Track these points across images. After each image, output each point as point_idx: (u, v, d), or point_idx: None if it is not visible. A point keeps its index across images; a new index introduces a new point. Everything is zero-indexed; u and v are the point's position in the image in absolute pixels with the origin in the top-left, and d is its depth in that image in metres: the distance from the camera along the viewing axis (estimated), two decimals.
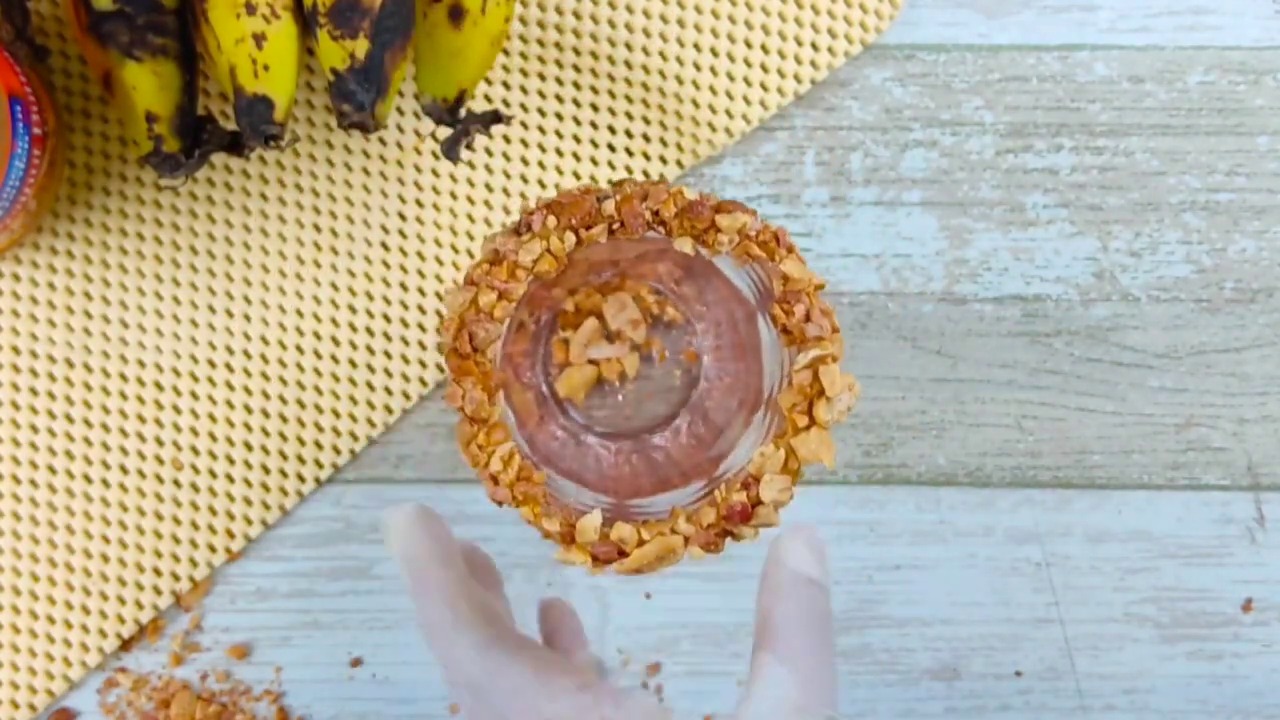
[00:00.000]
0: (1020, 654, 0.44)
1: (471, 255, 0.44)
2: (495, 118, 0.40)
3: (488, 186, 0.44)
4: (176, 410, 0.43)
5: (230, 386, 0.43)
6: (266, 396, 0.43)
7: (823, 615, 0.31)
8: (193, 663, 0.44)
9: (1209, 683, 0.44)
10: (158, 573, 0.43)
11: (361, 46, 0.37)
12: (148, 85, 0.39)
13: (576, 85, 0.43)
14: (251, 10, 0.37)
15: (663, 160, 0.44)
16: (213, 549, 0.43)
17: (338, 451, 0.43)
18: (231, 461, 0.43)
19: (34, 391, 0.43)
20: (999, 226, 0.44)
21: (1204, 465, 0.44)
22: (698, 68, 0.43)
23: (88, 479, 0.43)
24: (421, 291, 0.43)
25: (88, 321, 0.43)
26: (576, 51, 0.43)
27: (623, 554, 0.31)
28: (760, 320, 0.35)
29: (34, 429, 0.43)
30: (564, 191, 0.32)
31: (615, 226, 0.31)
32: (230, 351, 0.43)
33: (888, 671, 0.44)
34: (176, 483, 0.43)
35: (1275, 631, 0.44)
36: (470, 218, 0.44)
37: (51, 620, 0.43)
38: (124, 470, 0.43)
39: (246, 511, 0.43)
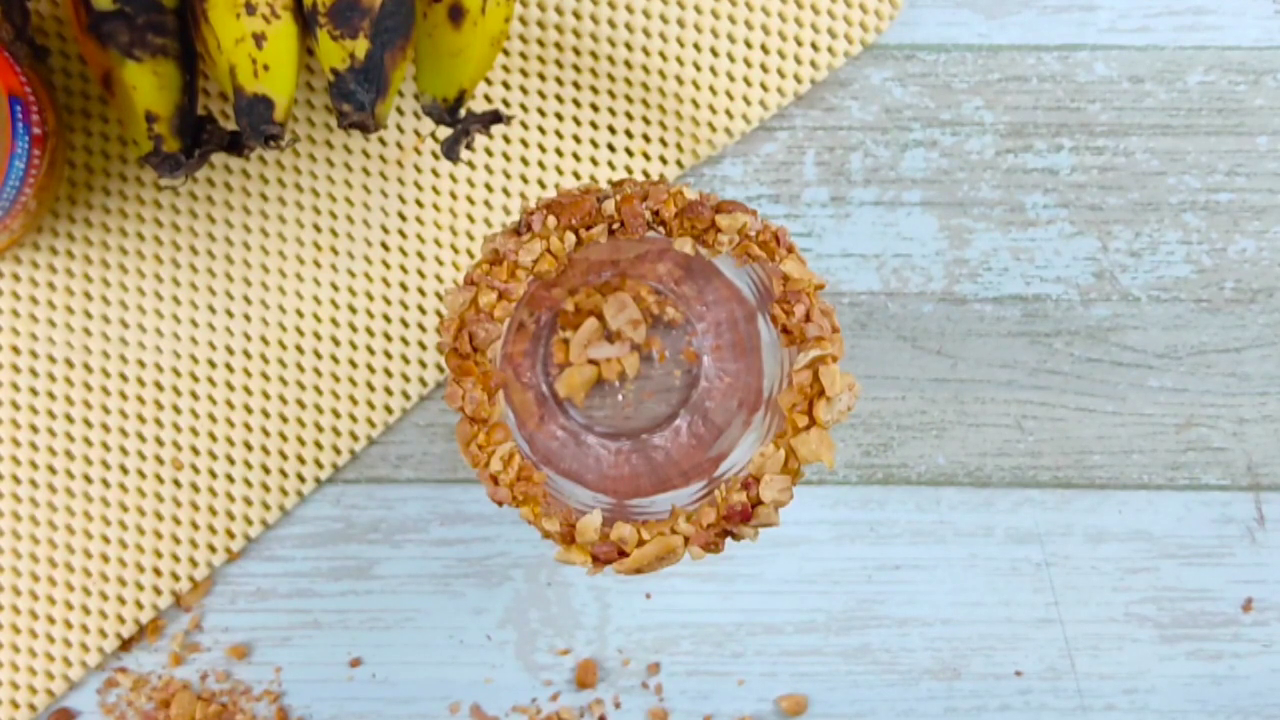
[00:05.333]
0: (1020, 654, 0.44)
1: (471, 255, 0.44)
2: (495, 118, 0.40)
3: (488, 186, 0.44)
4: (176, 410, 0.43)
5: (230, 386, 0.43)
6: (266, 396, 0.43)
7: None
8: (193, 663, 0.44)
9: (1209, 683, 0.44)
10: (158, 573, 0.43)
11: (361, 46, 0.37)
12: (148, 85, 0.39)
13: (576, 85, 0.43)
14: (251, 10, 0.37)
15: (663, 160, 0.44)
16: (213, 549, 0.43)
17: (338, 451, 0.43)
18: (231, 461, 0.43)
19: (34, 391, 0.43)
20: (999, 226, 0.44)
21: (1204, 465, 0.44)
22: (698, 68, 0.43)
23: (88, 479, 0.43)
24: (421, 291, 0.43)
25: (88, 321, 0.43)
26: (576, 51, 0.43)
27: (623, 554, 0.31)
28: (760, 320, 0.35)
29: (34, 429, 0.43)
30: (564, 191, 0.32)
31: (615, 226, 0.31)
32: (230, 351, 0.43)
33: (888, 671, 0.44)
34: (176, 483, 0.43)
35: (1275, 631, 0.44)
36: (470, 218, 0.44)
37: (51, 620, 0.43)
38: (124, 470, 0.43)
39: (246, 511, 0.43)
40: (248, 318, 0.43)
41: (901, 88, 0.44)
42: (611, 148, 0.44)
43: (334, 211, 0.43)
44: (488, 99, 0.43)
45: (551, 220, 0.31)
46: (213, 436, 0.43)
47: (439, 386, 0.44)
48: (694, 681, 0.44)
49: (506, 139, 0.43)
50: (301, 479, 0.43)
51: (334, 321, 0.43)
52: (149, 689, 0.44)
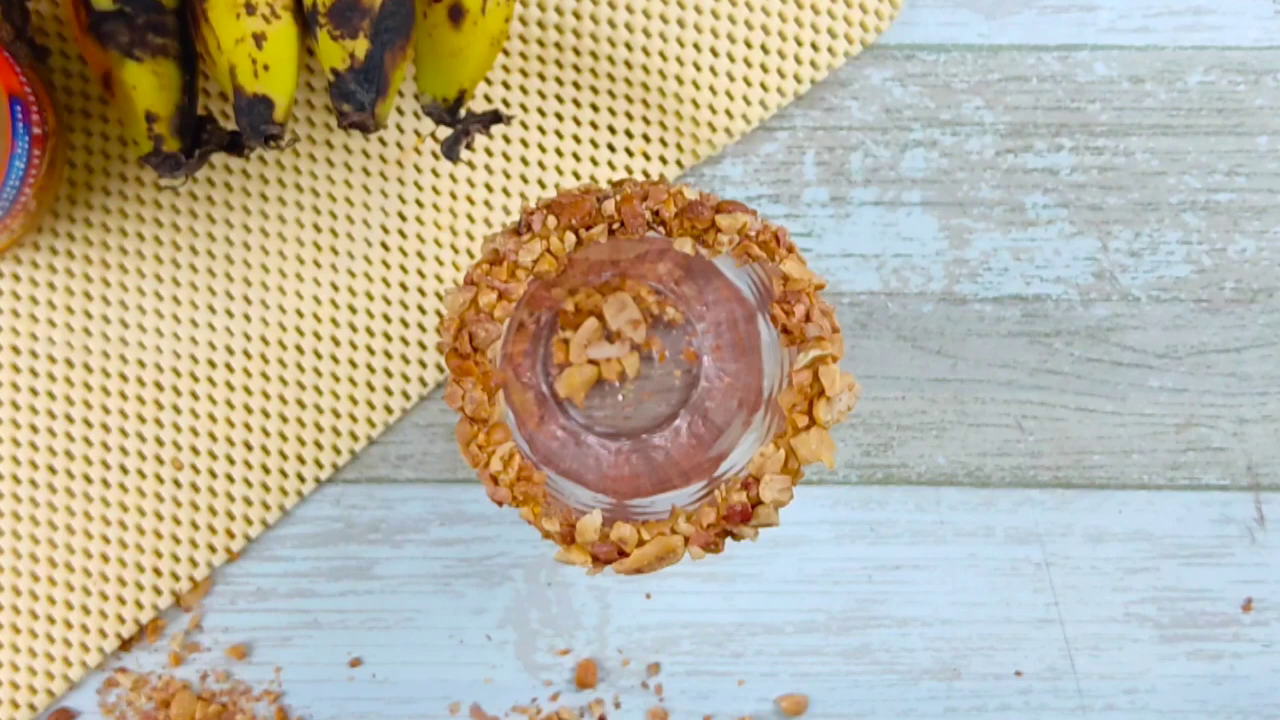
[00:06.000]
0: (1020, 654, 0.44)
1: (471, 255, 0.44)
2: (495, 118, 0.40)
3: (488, 186, 0.44)
4: (176, 410, 0.43)
5: (230, 386, 0.43)
6: (266, 396, 0.43)
7: None
8: (193, 663, 0.44)
9: (1209, 683, 0.44)
10: (158, 573, 0.43)
11: (361, 46, 0.37)
12: (148, 85, 0.39)
13: (576, 85, 0.43)
14: (251, 10, 0.37)
15: (663, 160, 0.44)
16: (213, 549, 0.43)
17: (338, 451, 0.43)
18: (231, 461, 0.43)
19: (34, 391, 0.43)
20: (999, 226, 0.44)
21: (1204, 465, 0.44)
22: (698, 68, 0.43)
23: (88, 479, 0.43)
24: (421, 291, 0.43)
25: (88, 321, 0.43)
26: (576, 51, 0.43)
27: (623, 554, 0.31)
28: (760, 320, 0.35)
29: (34, 429, 0.43)
30: (564, 191, 0.32)
31: (615, 226, 0.31)
32: (230, 351, 0.43)
33: (888, 671, 0.44)
34: (176, 483, 0.43)
35: (1275, 631, 0.44)
36: (470, 218, 0.44)
37: (51, 620, 0.43)
38: (124, 470, 0.43)
39: (246, 511, 0.43)
40: (248, 318, 0.43)
41: (901, 88, 0.44)
42: (611, 148, 0.44)
43: (334, 211, 0.43)
44: (488, 99, 0.43)
45: (551, 220, 0.31)
46: (213, 436, 0.43)
47: (439, 386, 0.44)
48: (694, 681, 0.44)
49: (506, 139, 0.43)
50: (301, 479, 0.43)
51: (334, 321, 0.43)
52: (149, 689, 0.44)
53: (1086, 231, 0.44)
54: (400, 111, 0.43)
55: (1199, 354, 0.44)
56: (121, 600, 0.43)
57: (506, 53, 0.43)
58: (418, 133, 0.43)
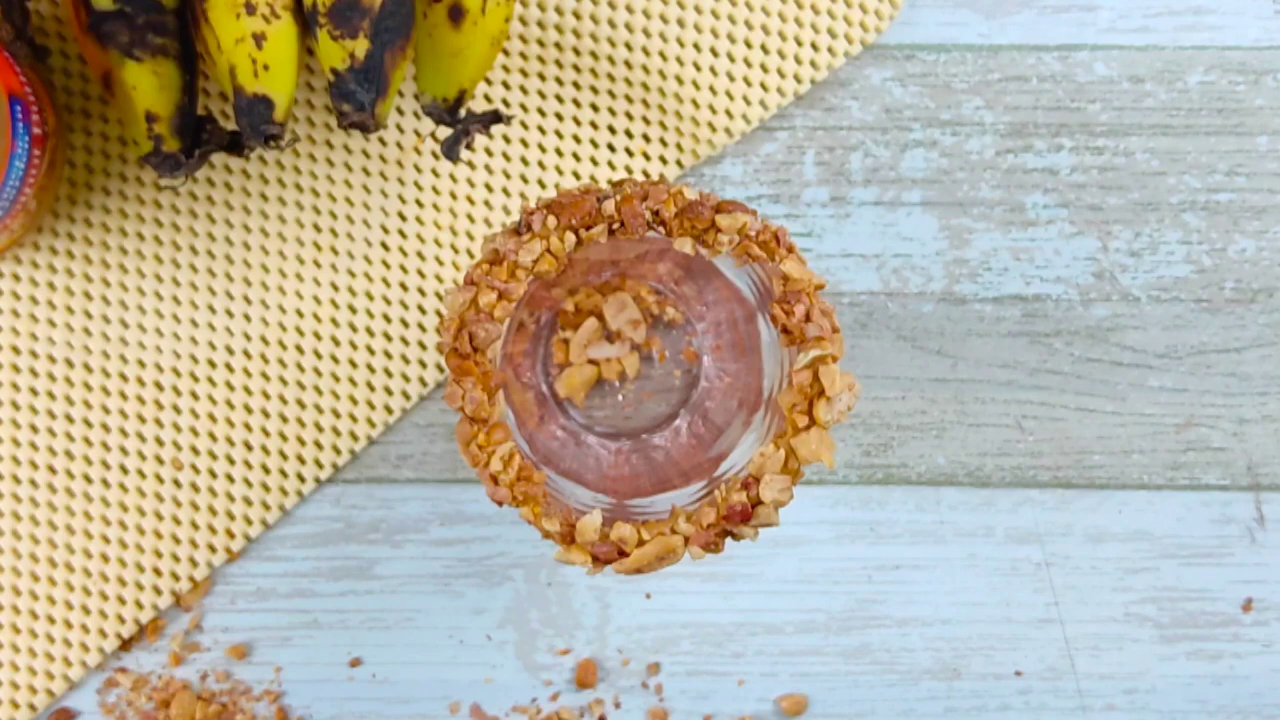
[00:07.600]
0: (1020, 654, 0.44)
1: (471, 255, 0.44)
2: (495, 118, 0.40)
3: (488, 186, 0.44)
4: (176, 410, 0.43)
5: (230, 386, 0.43)
6: (266, 396, 0.43)
7: None
8: (193, 663, 0.44)
9: (1209, 683, 0.44)
10: (158, 573, 0.43)
11: (361, 46, 0.37)
12: (148, 85, 0.39)
13: (576, 85, 0.43)
14: (251, 10, 0.37)
15: (663, 160, 0.44)
16: (213, 549, 0.43)
17: (338, 451, 0.43)
18: (231, 461, 0.43)
19: (34, 391, 0.43)
20: (999, 226, 0.44)
21: (1204, 465, 0.44)
22: (698, 68, 0.43)
23: (88, 479, 0.43)
24: (421, 291, 0.43)
25: (88, 321, 0.43)
26: (576, 51, 0.43)
27: (623, 554, 0.31)
28: (760, 320, 0.35)
29: (34, 429, 0.43)
30: (564, 191, 0.32)
31: (615, 226, 0.31)
32: (230, 351, 0.43)
33: (888, 671, 0.44)
34: (176, 483, 0.43)
35: (1275, 631, 0.44)
36: (470, 218, 0.44)
37: (51, 620, 0.43)
38: (124, 470, 0.43)
39: (246, 511, 0.43)
40: (248, 318, 0.43)
41: (901, 88, 0.44)
42: (611, 148, 0.44)
43: (334, 211, 0.43)
44: (488, 99, 0.43)
45: (551, 220, 0.31)
46: (213, 436, 0.43)
47: (439, 386, 0.44)
48: (694, 681, 0.44)
49: (506, 139, 0.43)
50: (301, 479, 0.43)
51: (334, 321, 0.43)
52: (149, 689, 0.44)
53: (1086, 231, 0.44)
54: (400, 111, 0.43)
55: (1199, 354, 0.44)
56: (121, 600, 0.43)
57: (506, 53, 0.43)
58: (418, 133, 0.43)
